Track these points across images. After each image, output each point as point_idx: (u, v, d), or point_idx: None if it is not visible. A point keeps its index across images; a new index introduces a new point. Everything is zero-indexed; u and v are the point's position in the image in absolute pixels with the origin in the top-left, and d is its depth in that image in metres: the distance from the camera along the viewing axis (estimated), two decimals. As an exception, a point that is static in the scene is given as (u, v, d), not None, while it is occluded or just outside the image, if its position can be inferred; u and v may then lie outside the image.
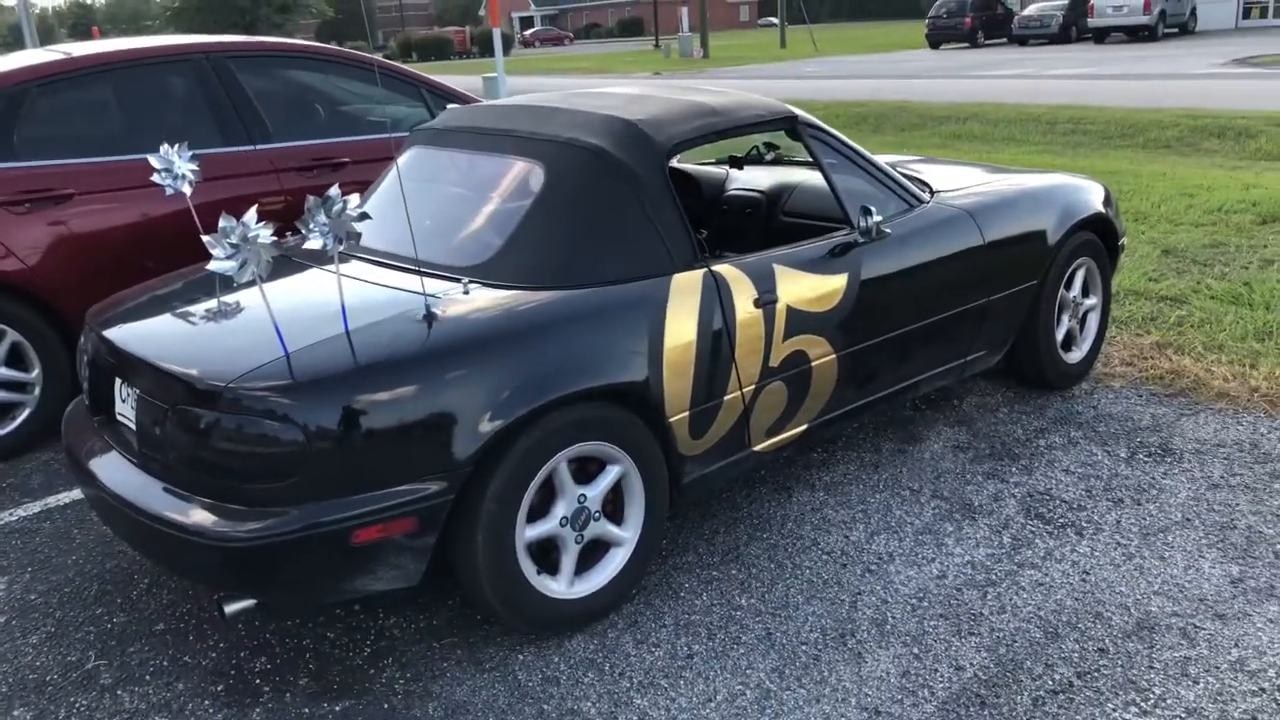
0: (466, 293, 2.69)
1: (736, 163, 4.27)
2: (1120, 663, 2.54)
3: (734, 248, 4.00)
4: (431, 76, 5.49)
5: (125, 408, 2.73)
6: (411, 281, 2.74)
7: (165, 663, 2.74)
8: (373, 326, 2.52)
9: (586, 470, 2.76)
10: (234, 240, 2.26)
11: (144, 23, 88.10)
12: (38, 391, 4.11)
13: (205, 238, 2.30)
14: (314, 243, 2.38)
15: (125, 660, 2.75)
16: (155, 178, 3.18)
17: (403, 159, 3.46)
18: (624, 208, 2.87)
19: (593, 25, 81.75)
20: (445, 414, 2.44)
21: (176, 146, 3.20)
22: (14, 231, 4.02)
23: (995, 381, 4.31)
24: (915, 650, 2.63)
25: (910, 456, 3.70)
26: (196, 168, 3.18)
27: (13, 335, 4.04)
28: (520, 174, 3.02)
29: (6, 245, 3.99)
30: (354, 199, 2.40)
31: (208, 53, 4.60)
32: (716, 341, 2.88)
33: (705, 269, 2.93)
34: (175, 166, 3.19)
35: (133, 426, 2.67)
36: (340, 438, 2.35)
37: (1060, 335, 4.08)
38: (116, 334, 2.77)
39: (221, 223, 2.32)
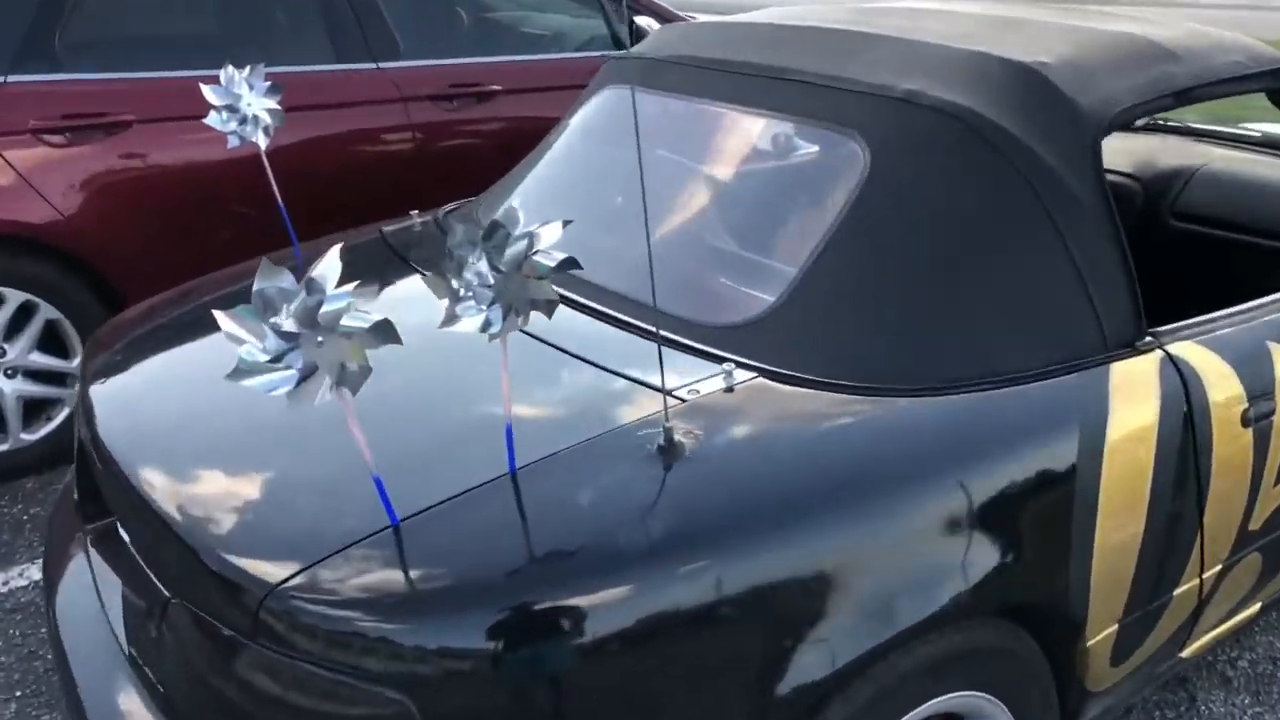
0: (729, 389, 1.42)
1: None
2: None
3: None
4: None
5: (119, 544, 1.56)
6: (624, 353, 1.50)
7: None
8: (556, 467, 1.28)
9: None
10: (285, 325, 1.00)
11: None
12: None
13: (220, 320, 1.04)
14: (467, 321, 1.12)
15: None
16: (212, 120, 1.98)
17: (592, 107, 2.18)
18: (1021, 231, 1.54)
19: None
20: (692, 666, 1.20)
21: (248, 70, 1.99)
22: (50, 170, 2.90)
23: None
24: None
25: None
26: (270, 114, 1.97)
27: (48, 311, 2.95)
28: (816, 154, 1.71)
29: (38, 189, 2.88)
30: (550, 231, 1.12)
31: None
32: (1179, 496, 1.55)
33: (1159, 352, 1.59)
34: (244, 103, 1.98)
35: (124, 581, 1.51)
36: (486, 705, 1.14)
37: None
38: (107, 418, 1.59)
39: (259, 283, 1.05)
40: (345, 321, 1.00)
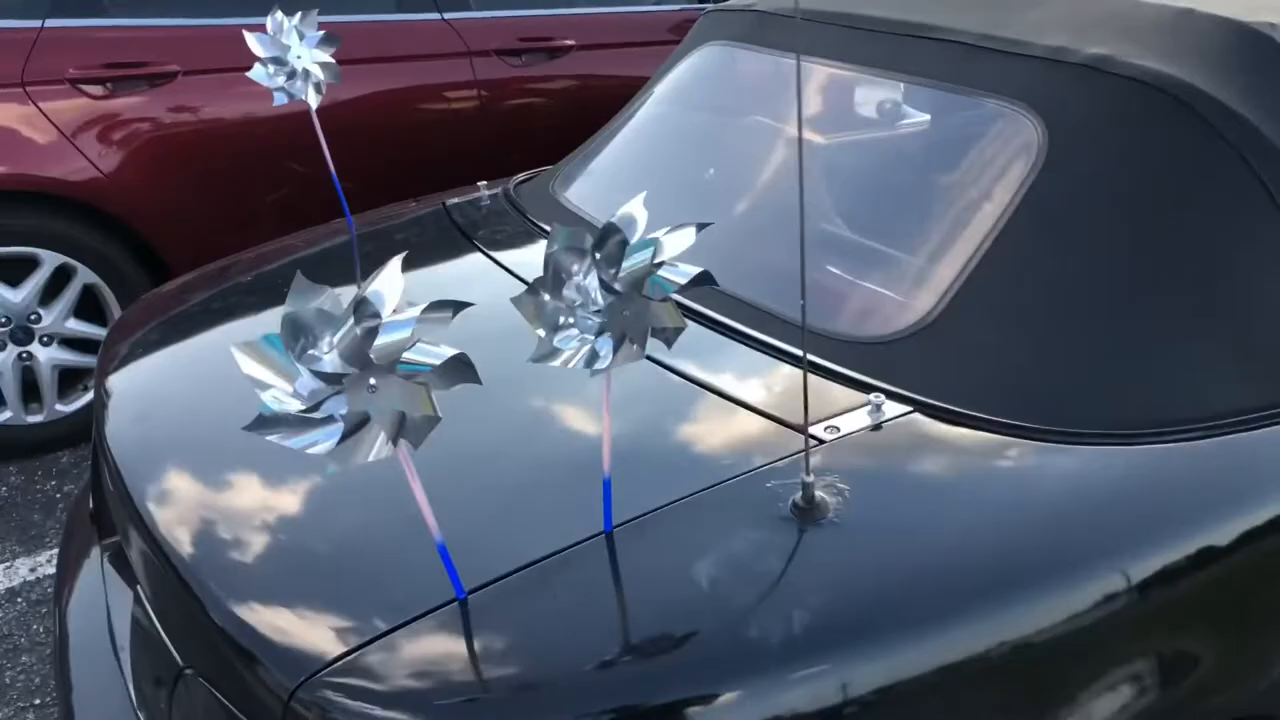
0: (877, 426, 1.14)
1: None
2: None
3: None
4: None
5: (131, 574, 1.32)
6: (749, 376, 1.22)
7: None
8: (662, 526, 1.02)
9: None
10: (325, 362, 0.73)
11: None
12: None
13: (239, 358, 0.77)
14: (567, 354, 0.85)
15: None
16: (256, 75, 1.72)
17: (687, 67, 1.89)
18: (1243, 228, 1.24)
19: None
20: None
21: (299, 18, 1.72)
22: (88, 123, 2.68)
23: None
24: None
25: None
26: (324, 69, 1.70)
27: (86, 275, 2.74)
28: (975, 133, 1.41)
29: (76, 143, 2.66)
30: (680, 239, 0.84)
31: None
32: None
33: None
34: (293, 55, 1.72)
35: (130, 640, 1.28)
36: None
37: None
38: (121, 421, 1.35)
39: (291, 304, 0.77)
40: (409, 356, 0.73)
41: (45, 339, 2.74)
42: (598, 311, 0.82)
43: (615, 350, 0.84)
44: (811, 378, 1.18)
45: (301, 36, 1.71)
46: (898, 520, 1.04)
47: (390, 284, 0.74)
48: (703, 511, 1.04)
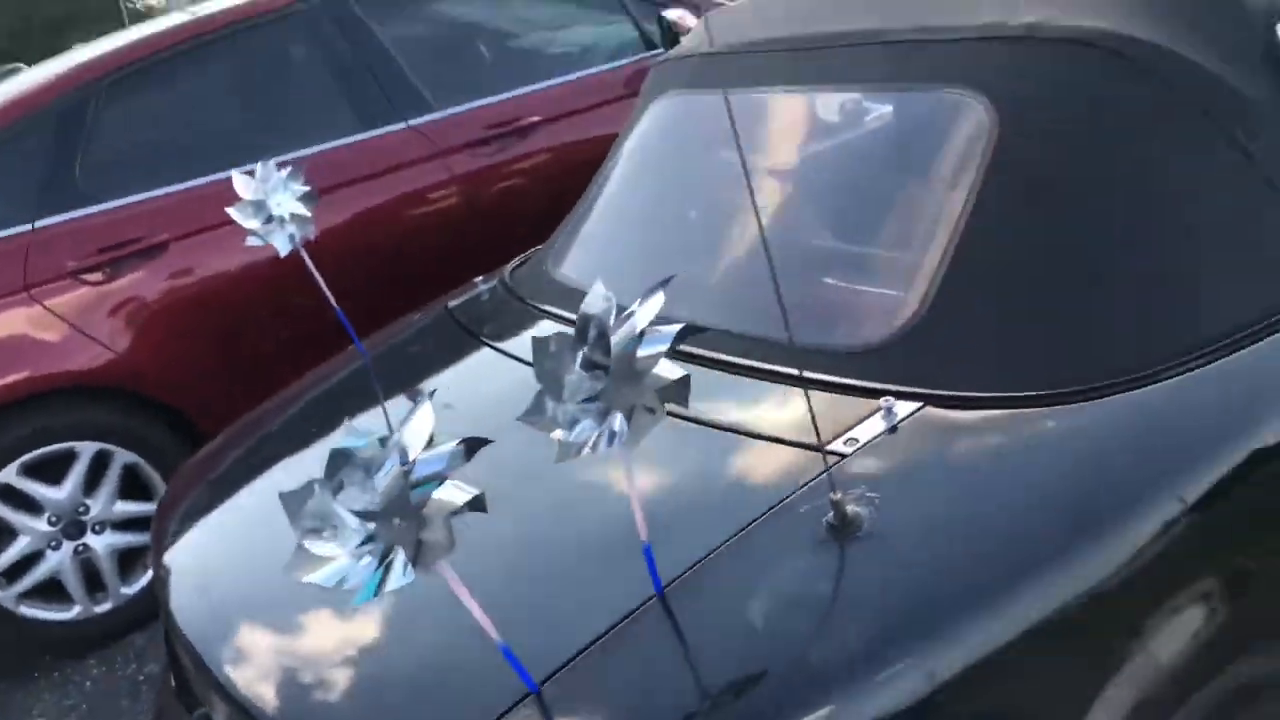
0: (893, 429, 1.15)
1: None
2: None
3: None
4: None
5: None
6: (753, 406, 1.24)
7: None
8: (709, 575, 1.03)
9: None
10: (367, 505, 0.76)
11: None
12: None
13: (286, 507, 0.81)
14: (589, 444, 0.88)
15: None
16: (236, 213, 1.77)
17: (647, 121, 1.92)
18: (1196, 159, 1.26)
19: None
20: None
21: (260, 170, 1.77)
22: (94, 309, 2.75)
23: None
24: None
25: None
26: (302, 204, 1.75)
27: (124, 455, 2.79)
28: (927, 124, 1.43)
29: (87, 331, 2.73)
30: (651, 307, 0.86)
31: (322, -3, 3.15)
32: None
33: None
34: (271, 204, 1.77)
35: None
36: None
37: None
38: (183, 589, 1.39)
39: (329, 469, 0.81)
40: (438, 496, 0.76)
41: (97, 527, 2.79)
42: (597, 398, 0.84)
43: (630, 421, 0.86)
44: (821, 394, 1.19)
45: (278, 183, 1.76)
46: (936, 509, 1.05)
47: (422, 424, 0.77)
48: (743, 552, 1.05)
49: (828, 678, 0.92)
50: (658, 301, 0.85)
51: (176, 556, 1.48)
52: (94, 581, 2.81)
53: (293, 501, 0.77)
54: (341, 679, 1.08)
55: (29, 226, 2.73)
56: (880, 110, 1.51)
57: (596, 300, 0.84)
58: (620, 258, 1.75)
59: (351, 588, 0.78)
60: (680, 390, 0.88)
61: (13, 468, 2.65)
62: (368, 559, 0.77)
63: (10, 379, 2.64)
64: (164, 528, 1.59)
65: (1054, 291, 1.21)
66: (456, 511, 0.78)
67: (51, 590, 2.77)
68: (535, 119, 3.27)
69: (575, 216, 1.98)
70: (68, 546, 2.74)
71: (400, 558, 0.78)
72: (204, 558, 1.45)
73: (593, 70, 3.44)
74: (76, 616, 2.78)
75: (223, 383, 2.83)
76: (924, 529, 1.03)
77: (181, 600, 1.37)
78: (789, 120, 1.64)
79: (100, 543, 2.78)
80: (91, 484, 2.75)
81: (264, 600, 1.27)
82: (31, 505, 2.69)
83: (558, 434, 0.86)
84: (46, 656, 2.86)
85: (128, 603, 2.84)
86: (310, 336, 2.92)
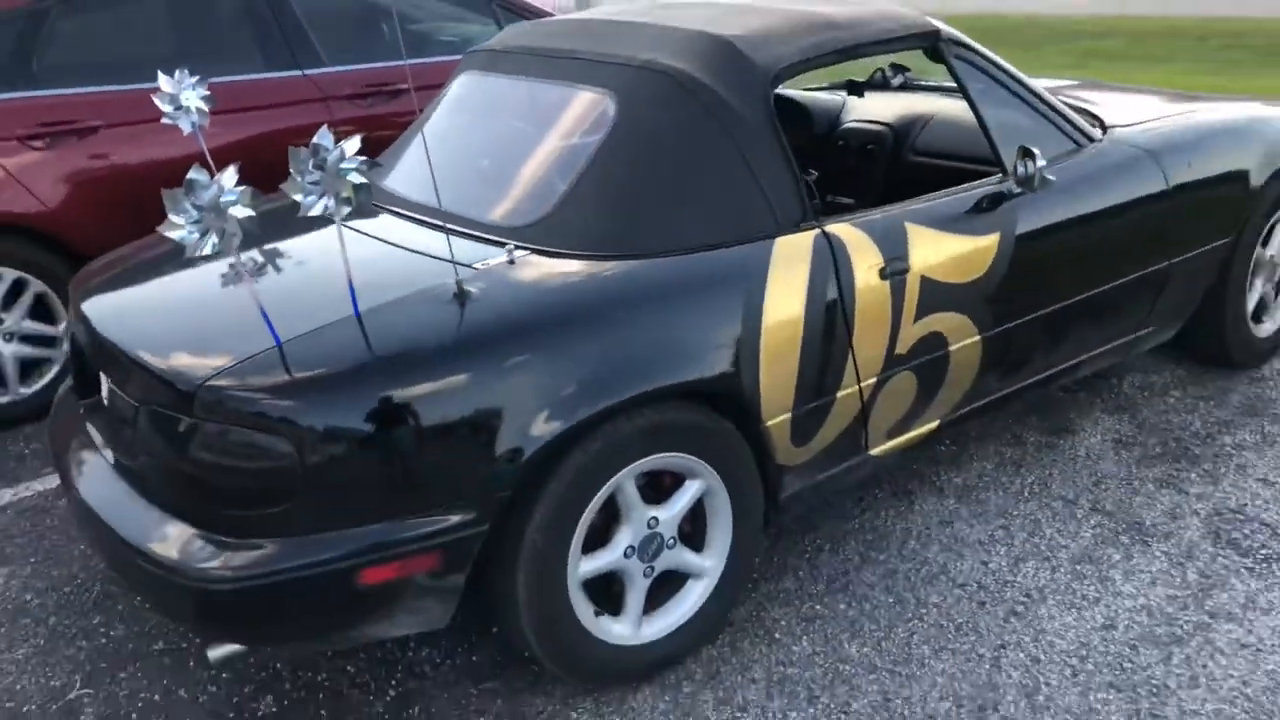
0: (511, 263, 2.12)
1: (857, 88, 3.56)
2: (1368, 776, 1.90)
3: (851, 193, 3.34)
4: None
5: (104, 398, 2.25)
6: (446, 247, 2.18)
7: (157, 696, 2.30)
8: (388, 308, 1.98)
9: (660, 485, 2.19)
10: (200, 203, 1.71)
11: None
12: (66, 346, 3.70)
13: (164, 193, 1.75)
14: (311, 209, 1.83)
15: (113, 690, 2.32)
16: (160, 106, 2.66)
17: (452, 87, 2.88)
18: (713, 151, 2.25)
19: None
20: (476, 424, 1.90)
21: (178, 75, 2.66)
22: (34, 169, 3.58)
23: (1161, 356, 3.58)
24: (1081, 739, 2.03)
25: (1061, 454, 3.04)
26: (204, 103, 2.64)
27: (37, 285, 3.62)
28: (585, 107, 2.41)
29: (26, 184, 3.55)
30: (353, 143, 1.82)
31: (251, -36, 4.05)
32: (829, 324, 2.26)
33: (817, 230, 2.30)
34: (182, 98, 2.66)
35: (107, 423, 2.20)
36: (343, 453, 1.83)
37: (1251, 303, 3.33)
38: (91, 308, 2.29)
39: (189, 175, 1.77)
40: (232, 211, 1.72)
41: (7, 336, 3.61)
42: (317, 184, 1.79)
43: (336, 202, 1.81)
44: (473, 244, 2.16)
45: (185, 85, 2.65)
46: (512, 295, 2.02)
47: (230, 175, 1.71)
48: (407, 303, 2.00)
49: (430, 364, 1.88)
50: (354, 144, 1.80)
51: (87, 295, 2.36)
52: (-2, 379, 3.63)
53: (168, 199, 1.70)
54: (171, 322, 2.02)
55: (-9, 97, 3.54)
56: (563, 96, 2.49)
57: (322, 137, 1.79)
58: (411, 164, 2.68)
59: (190, 247, 1.71)
60: (363, 191, 1.82)
61: (-55, 277, 3.47)
62: (197, 233, 1.70)
63: (-44, 208, 3.45)
64: (77, 286, 2.47)
65: (619, 206, 2.19)
66: (240, 219, 1.72)
67: (-37, 379, 3.57)
68: (404, 85, 4.21)
69: (396, 144, 2.91)
70: (-19, 347, 3.55)
71: (212, 236, 1.71)
72: (101, 290, 2.34)
73: (453, 56, 4.38)
74: (-19, 402, 3.59)
75: (120, 235, 3.67)
76: (511, 306, 2.00)
77: (90, 310, 2.26)
78: (522, 96, 2.61)
79: (8, 349, 3.60)
80: (6, 303, 3.57)
81: (137, 300, 2.19)
82: (-44, 310, 3.50)
83: (297, 197, 1.81)
84: (-50, 432, 3.65)
85: (24, 399, 3.66)
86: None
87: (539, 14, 4.55)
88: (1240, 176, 3.04)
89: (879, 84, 3.60)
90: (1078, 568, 2.52)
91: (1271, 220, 3.23)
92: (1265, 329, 3.42)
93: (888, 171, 3.24)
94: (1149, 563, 2.52)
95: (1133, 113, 3.16)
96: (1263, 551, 2.54)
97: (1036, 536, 2.65)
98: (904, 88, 3.54)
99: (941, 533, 2.69)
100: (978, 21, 13.60)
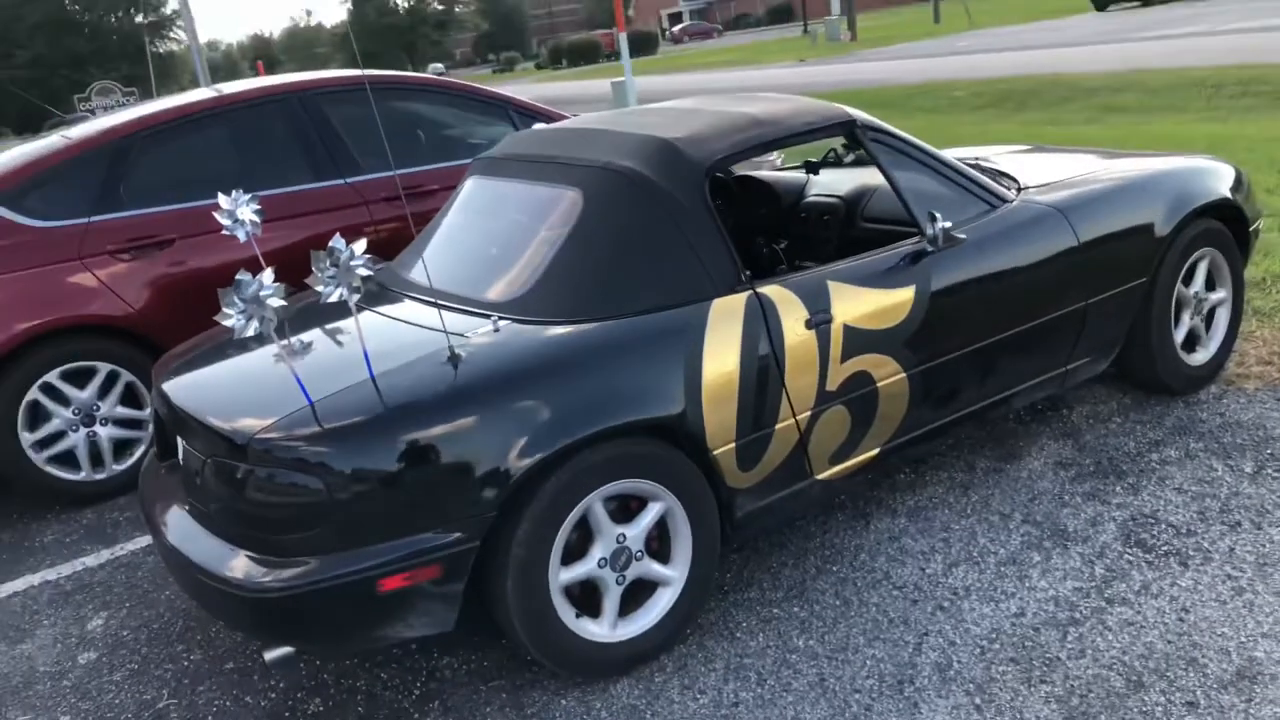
0: (496, 330, 2.63)
1: (814, 167, 4.07)
2: (1211, 719, 2.26)
3: (813, 258, 3.82)
4: (519, 96, 5.50)
5: (180, 459, 2.80)
6: (446, 321, 2.71)
7: (229, 703, 2.80)
8: (397, 370, 2.50)
9: (628, 508, 2.66)
10: (244, 297, 2.27)
11: (317, 49, 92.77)
12: (151, 429, 4.31)
13: (219, 291, 2.32)
14: (329, 297, 2.38)
15: (194, 700, 2.84)
16: (220, 220, 3.26)
17: (461, 190, 3.45)
18: (659, 232, 2.75)
19: (742, 15, 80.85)
20: (467, 457, 2.40)
21: (234, 194, 3.27)
22: (123, 279, 4.23)
23: (1111, 387, 3.96)
24: (977, 700, 2.41)
25: (1006, 476, 3.44)
26: (256, 217, 3.24)
27: (126, 376, 4.25)
28: (561, 203, 2.94)
29: (117, 292, 4.20)
30: (360, 245, 2.38)
31: (297, 91, 4.73)
32: (763, 369, 2.73)
33: (749, 291, 2.78)
34: (238, 213, 3.26)
35: (183, 478, 2.74)
36: (363, 487, 2.34)
37: (1180, 335, 3.71)
38: (169, 386, 2.86)
39: (237, 276, 2.33)
40: (270, 300, 2.26)
41: (104, 421, 4.23)
42: (333, 277, 2.33)
43: (349, 291, 2.35)
44: (468, 318, 2.69)
45: (239, 202, 3.25)
46: (504, 357, 2.53)
47: (268, 275, 2.27)
48: (412, 367, 2.52)
49: (431, 414, 2.39)
50: (361, 245, 2.35)
51: (166, 378, 2.94)
52: (96, 458, 4.24)
53: (222, 295, 2.26)
54: (229, 391, 2.58)
55: (86, 220, 4.21)
56: (543, 194, 3.02)
57: (338, 242, 2.34)
58: (426, 256, 3.23)
59: (238, 331, 2.27)
60: (366, 281, 2.36)
61: (55, 372, 4.11)
62: (243, 320, 2.26)
63: (62, 315, 4.10)
64: (158, 371, 3.05)
65: (582, 280, 2.70)
66: (276, 308, 2.27)
67: (67, 459, 4.19)
68: (435, 186, 4.82)
69: (417, 240, 3.48)
70: (83, 431, 4.17)
71: (254, 322, 2.27)
72: (177, 374, 2.92)
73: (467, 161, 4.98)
74: (82, 478, 4.20)
75: (197, 330, 4.29)
76: (494, 364, 2.50)
77: (169, 389, 2.83)
78: (514, 195, 3.17)
79: (104, 432, 4.22)
80: (103, 392, 4.20)
81: (206, 380, 2.75)
82: (63, 399, 4.13)
83: (319, 288, 2.36)
84: (56, 506, 4.26)
85: (117, 475, 4.27)
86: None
87: (548, 116, 5.16)
88: (1145, 228, 3.46)
89: (833, 162, 4.12)
90: (1002, 569, 2.91)
91: (1189, 260, 3.62)
92: (1198, 358, 3.78)
93: (841, 237, 3.72)
94: (1065, 562, 2.90)
95: (1054, 173, 3.61)
96: (1164, 548, 2.90)
97: (971, 545, 3.05)
98: (856, 163, 4.04)
99: (890, 546, 3.11)
100: (999, 84, 14.09)
